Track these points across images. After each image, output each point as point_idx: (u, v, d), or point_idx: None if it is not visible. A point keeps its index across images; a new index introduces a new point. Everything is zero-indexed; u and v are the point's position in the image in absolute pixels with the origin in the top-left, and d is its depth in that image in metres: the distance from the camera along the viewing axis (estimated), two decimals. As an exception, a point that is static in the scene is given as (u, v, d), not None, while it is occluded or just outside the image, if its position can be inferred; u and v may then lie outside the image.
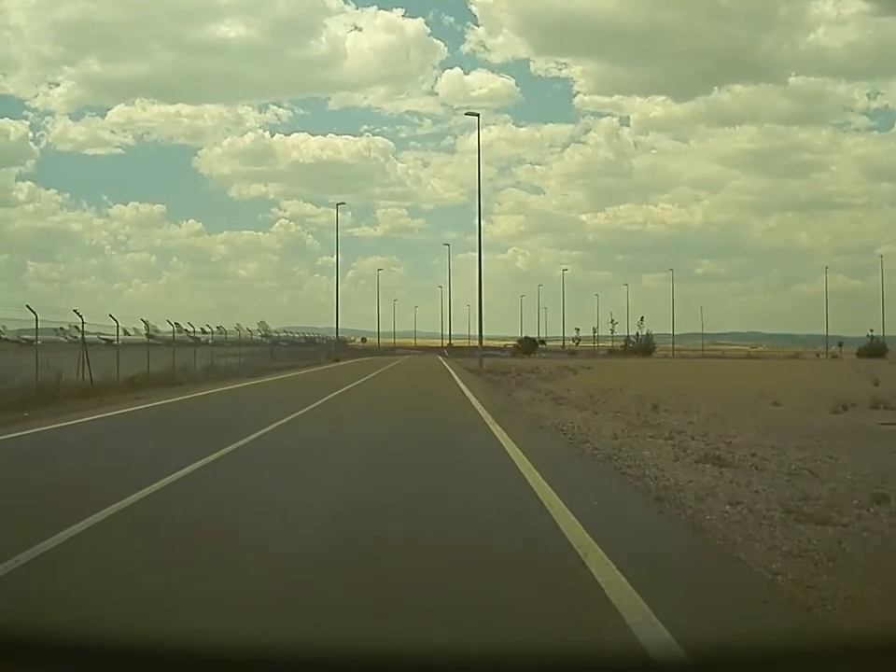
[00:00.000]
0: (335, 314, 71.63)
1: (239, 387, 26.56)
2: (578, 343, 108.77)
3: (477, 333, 51.23)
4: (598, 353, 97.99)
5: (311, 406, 18.06)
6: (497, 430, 13.35)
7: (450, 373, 40.06)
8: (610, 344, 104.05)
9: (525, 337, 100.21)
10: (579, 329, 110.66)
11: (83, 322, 23.19)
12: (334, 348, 73.27)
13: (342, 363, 58.97)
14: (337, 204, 72.86)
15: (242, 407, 19.67)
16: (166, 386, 24.99)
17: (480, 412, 17.25)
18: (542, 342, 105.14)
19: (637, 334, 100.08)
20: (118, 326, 26.58)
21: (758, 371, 46.70)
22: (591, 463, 10.13)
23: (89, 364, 22.07)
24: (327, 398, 20.84)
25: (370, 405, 20.03)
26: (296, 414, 15.92)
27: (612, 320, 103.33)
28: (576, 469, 9.76)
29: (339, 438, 12.76)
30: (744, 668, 2.57)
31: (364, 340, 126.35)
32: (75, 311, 23.03)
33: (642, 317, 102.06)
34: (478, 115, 47.88)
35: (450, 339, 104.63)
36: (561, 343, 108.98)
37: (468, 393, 23.85)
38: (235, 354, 41.56)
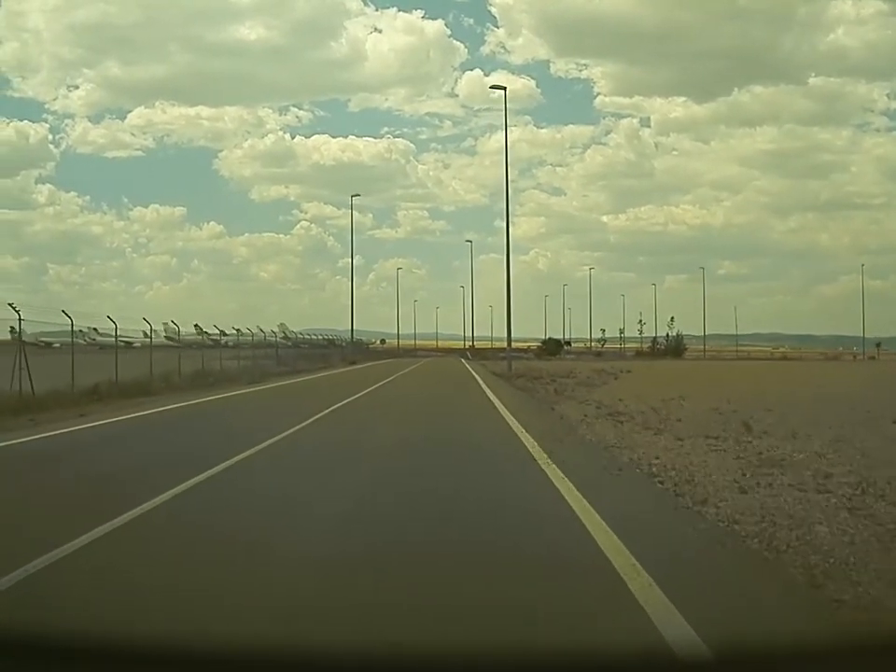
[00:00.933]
0: (350, 314, 66.81)
1: (219, 398, 22.07)
2: (604, 345, 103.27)
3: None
4: (625, 354, 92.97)
5: (285, 433, 12.90)
6: (554, 476, 8.80)
7: (475, 379, 35.30)
8: (639, 346, 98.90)
9: (550, 338, 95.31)
10: (604, 331, 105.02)
11: (21, 320, 18.95)
12: (350, 350, 68.32)
13: (357, 366, 54.59)
14: (352, 196, 68.28)
15: (191, 432, 14.42)
16: (136, 396, 20.79)
17: (521, 438, 12.73)
18: (568, 343, 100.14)
19: (667, 335, 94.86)
20: (72, 324, 22.27)
21: (812, 375, 41.83)
22: (752, 563, 5.48)
23: (29, 372, 17.81)
24: (314, 417, 15.72)
25: (373, 423, 15.58)
26: (250, 452, 10.67)
27: (641, 321, 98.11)
28: (742, 590, 5.00)
29: (304, 503, 7.64)
30: None
31: (383, 341, 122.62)
32: (10, 305, 18.81)
33: (672, 318, 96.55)
34: (504, 88, 42.90)
35: (472, 340, 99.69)
36: (588, 344, 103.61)
37: (500, 407, 19.20)
38: (237, 356, 37.55)
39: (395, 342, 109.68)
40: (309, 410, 17.01)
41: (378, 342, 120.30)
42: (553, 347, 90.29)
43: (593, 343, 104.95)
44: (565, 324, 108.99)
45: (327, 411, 17.53)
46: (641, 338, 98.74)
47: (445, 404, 21.48)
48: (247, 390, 25.69)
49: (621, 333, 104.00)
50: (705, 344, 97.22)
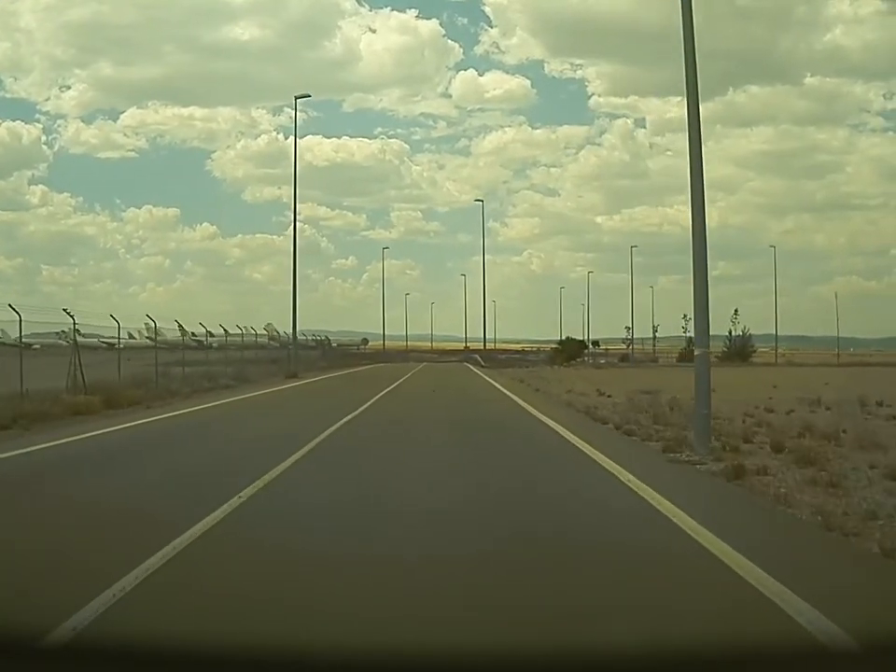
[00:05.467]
0: (293, 303, 46.33)
1: None
2: (629, 346, 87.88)
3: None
4: (657, 358, 79.76)
5: None
6: None
7: (582, 452, 12.42)
8: (682, 348, 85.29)
9: (569, 338, 79.09)
10: (630, 328, 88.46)
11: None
12: (317, 355, 56.25)
13: (297, 382, 35.86)
14: (296, 97, 49.85)
15: None
16: None
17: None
18: (595, 343, 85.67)
19: (730, 334, 78.92)
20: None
21: None
22: None
23: None
24: None
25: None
26: None
27: (686, 316, 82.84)
28: None
29: None
30: None
31: (365, 341, 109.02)
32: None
33: (735, 310, 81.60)
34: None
35: (484, 342, 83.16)
36: (627, 346, 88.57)
37: None
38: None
39: (392, 343, 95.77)
40: None
41: (361, 342, 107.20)
42: (573, 350, 74.82)
43: (607, 345, 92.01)
44: (564, 324, 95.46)
45: None
46: (685, 337, 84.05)
47: None
48: None
49: (654, 333, 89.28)
50: (776, 347, 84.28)
